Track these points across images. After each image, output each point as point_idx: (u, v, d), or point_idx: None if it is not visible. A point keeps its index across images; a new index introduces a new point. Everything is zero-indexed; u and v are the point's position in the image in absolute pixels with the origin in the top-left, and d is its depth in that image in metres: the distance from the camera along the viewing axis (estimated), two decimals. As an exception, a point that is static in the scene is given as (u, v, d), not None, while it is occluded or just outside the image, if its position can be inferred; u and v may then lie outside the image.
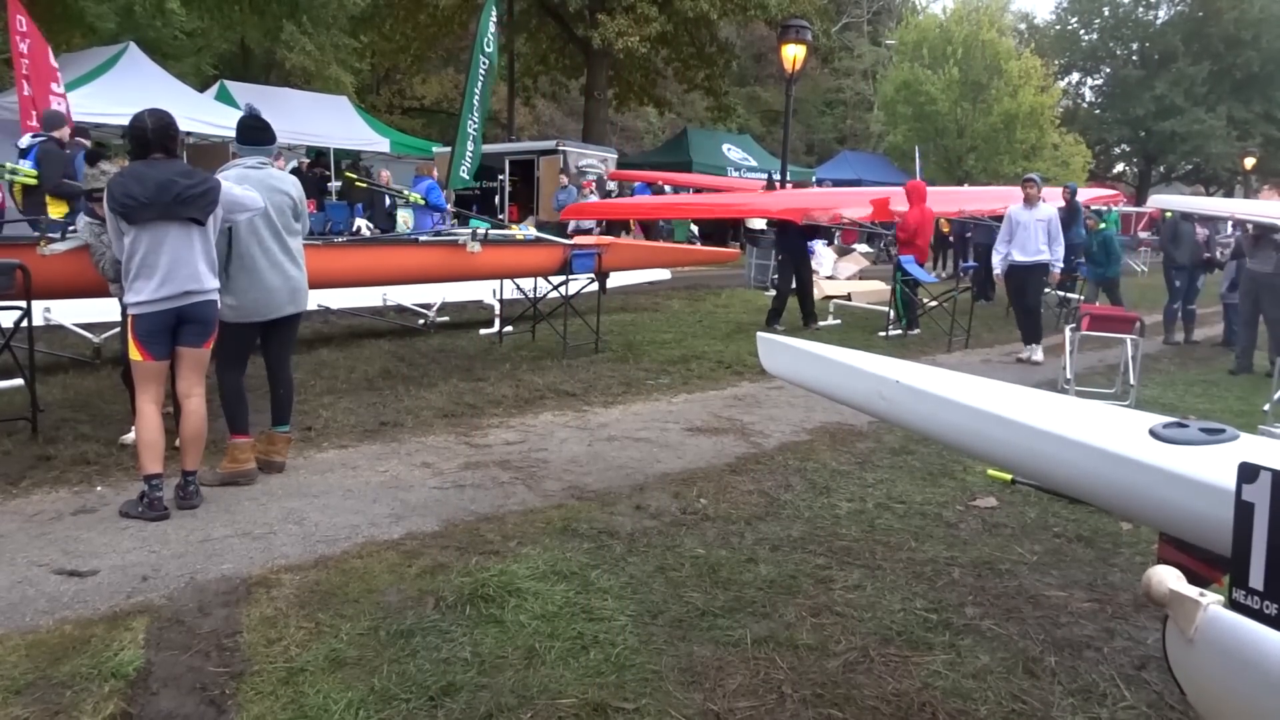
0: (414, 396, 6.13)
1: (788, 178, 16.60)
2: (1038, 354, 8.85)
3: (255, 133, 4.46)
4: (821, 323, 10.46)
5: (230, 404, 4.35)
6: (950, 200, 13.28)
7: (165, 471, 3.87)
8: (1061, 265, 8.75)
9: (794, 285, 10.46)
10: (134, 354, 3.85)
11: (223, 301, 4.16)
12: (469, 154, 11.44)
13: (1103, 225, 10.65)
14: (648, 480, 4.60)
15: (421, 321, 8.98)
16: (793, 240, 10.45)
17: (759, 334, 3.18)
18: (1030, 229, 8.61)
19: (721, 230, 21.04)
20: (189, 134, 13.18)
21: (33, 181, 7.88)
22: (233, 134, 4.51)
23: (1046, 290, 10.85)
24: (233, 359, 4.36)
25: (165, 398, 4.05)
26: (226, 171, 4.29)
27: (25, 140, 8.05)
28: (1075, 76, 42.48)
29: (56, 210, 7.71)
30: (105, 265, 4.42)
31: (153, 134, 3.85)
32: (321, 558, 3.46)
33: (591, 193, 13.89)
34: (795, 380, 3.06)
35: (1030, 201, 8.69)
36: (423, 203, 11.05)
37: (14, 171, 7.77)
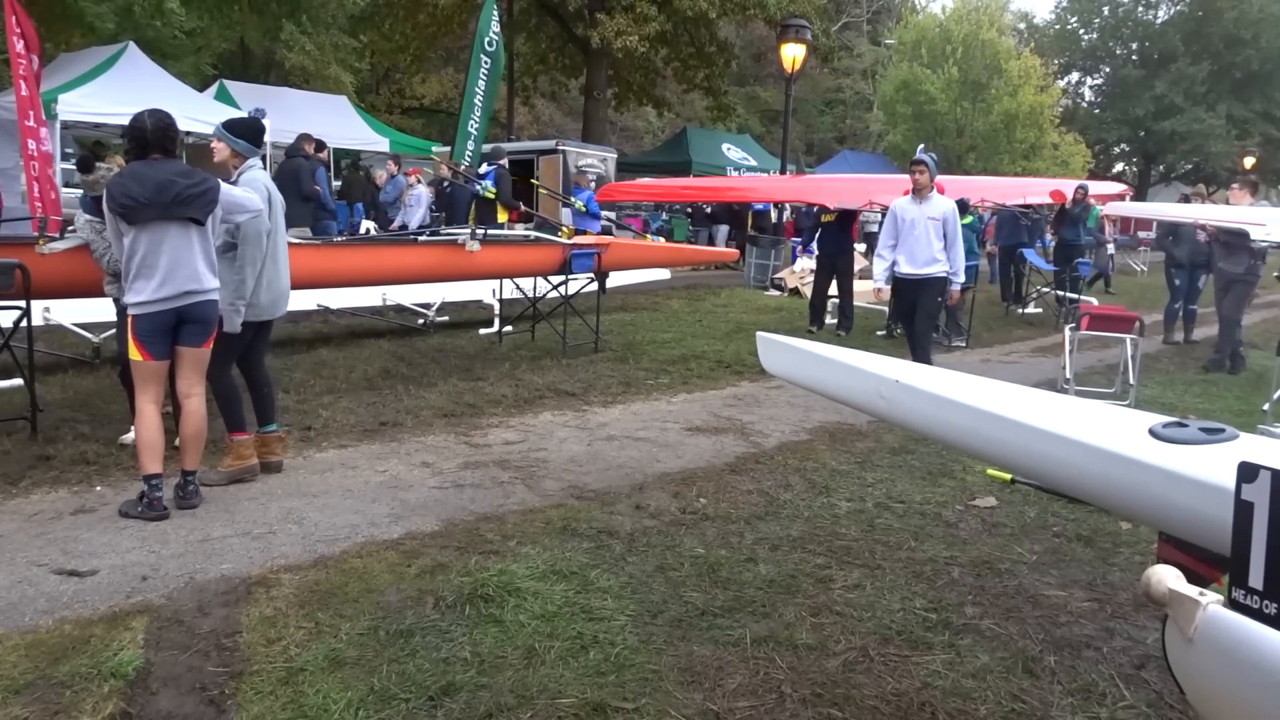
0: (414, 396, 6.13)
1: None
2: None
3: (259, 136, 4.49)
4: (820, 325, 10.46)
5: (226, 402, 4.36)
6: (965, 190, 13.24)
7: (165, 471, 3.87)
8: (961, 281, 6.79)
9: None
10: (134, 354, 3.85)
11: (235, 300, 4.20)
12: (469, 153, 11.44)
13: (966, 219, 9.87)
14: (647, 480, 4.60)
15: (421, 321, 8.98)
16: (831, 239, 10.36)
17: (759, 334, 3.17)
18: (920, 230, 6.59)
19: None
20: (189, 134, 13.19)
21: (491, 195, 10.95)
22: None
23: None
24: (226, 359, 4.36)
25: (164, 397, 4.05)
26: (252, 173, 4.32)
27: (484, 168, 11.51)
28: (1075, 76, 42.51)
29: (503, 216, 11.19)
30: (109, 262, 4.42)
31: (151, 134, 3.85)
32: (321, 557, 3.46)
33: (420, 180, 13.59)
34: (795, 380, 3.05)
35: (920, 193, 6.65)
36: (583, 209, 12.38)
37: (484, 186, 10.98)
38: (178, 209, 3.80)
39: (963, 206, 9.88)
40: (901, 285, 6.85)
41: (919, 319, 6.84)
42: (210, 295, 3.98)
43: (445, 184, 13.71)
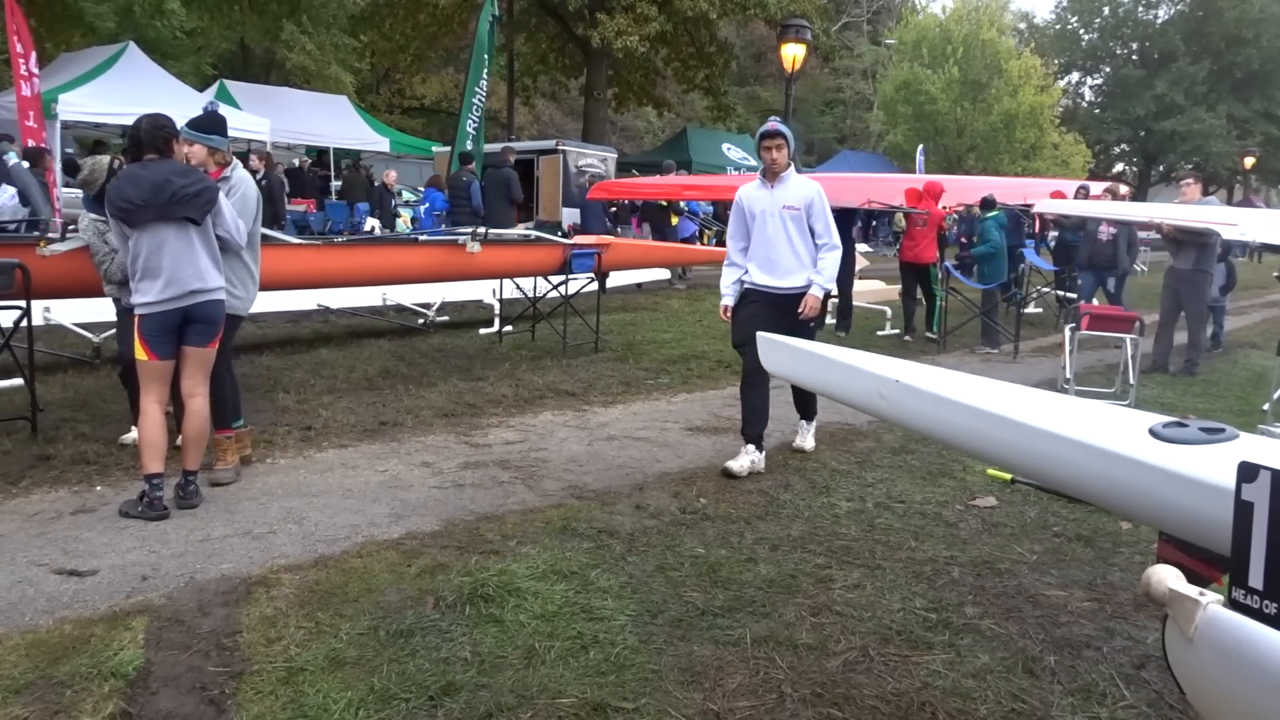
0: (414, 396, 6.14)
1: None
2: (807, 440, 5.22)
3: (225, 129, 4.46)
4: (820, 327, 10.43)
5: (233, 395, 4.38)
6: (965, 190, 13.20)
7: (166, 471, 3.87)
8: (824, 287, 4.73)
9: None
10: (140, 354, 3.88)
11: (229, 295, 4.20)
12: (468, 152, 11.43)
13: (991, 214, 9.56)
14: (647, 480, 4.60)
15: (421, 321, 8.98)
16: None
17: (759, 333, 3.18)
18: (775, 226, 4.71)
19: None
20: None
21: (665, 203, 12.80)
22: (232, 134, 4.49)
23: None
24: (224, 353, 4.35)
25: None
26: (240, 173, 4.33)
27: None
28: (1075, 76, 42.55)
29: (674, 219, 13.37)
30: (111, 268, 4.41)
31: (145, 134, 3.87)
32: (321, 557, 3.46)
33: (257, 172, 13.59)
34: (795, 380, 3.06)
35: (774, 173, 4.73)
36: (685, 209, 13.78)
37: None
38: (174, 209, 3.80)
39: (989, 204, 9.79)
40: (755, 299, 4.79)
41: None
42: (215, 295, 3.99)
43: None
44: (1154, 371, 8.11)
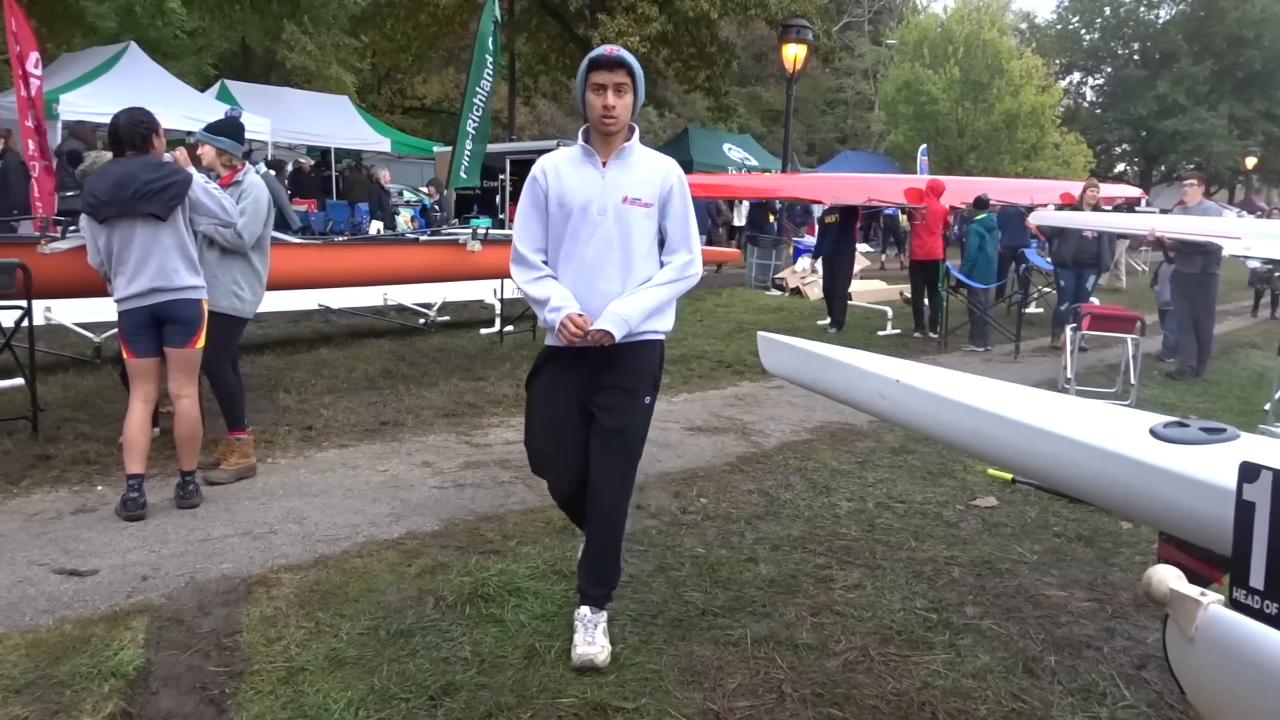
0: (414, 396, 6.14)
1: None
2: (595, 640, 2.76)
3: (241, 133, 4.53)
4: (819, 321, 10.47)
5: (227, 400, 4.37)
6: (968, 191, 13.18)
7: (147, 472, 3.87)
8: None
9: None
10: (122, 350, 3.88)
11: (234, 296, 4.20)
12: (468, 153, 11.44)
13: (980, 215, 9.58)
14: (648, 480, 4.59)
15: (422, 321, 8.98)
16: (831, 239, 10.37)
17: (759, 333, 3.18)
18: (611, 232, 2.75)
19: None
20: (189, 133, 13.21)
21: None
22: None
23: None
24: (223, 355, 4.33)
25: (164, 397, 4.05)
26: (252, 178, 4.37)
27: None
28: (1076, 76, 42.54)
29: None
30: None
31: (124, 130, 3.84)
32: (321, 557, 3.46)
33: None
34: (795, 379, 3.05)
35: (607, 137, 2.79)
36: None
37: None
38: (137, 204, 3.74)
39: (981, 204, 9.75)
40: (563, 362, 2.85)
41: (614, 446, 2.81)
42: (184, 294, 3.87)
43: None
44: (1181, 377, 7.98)
